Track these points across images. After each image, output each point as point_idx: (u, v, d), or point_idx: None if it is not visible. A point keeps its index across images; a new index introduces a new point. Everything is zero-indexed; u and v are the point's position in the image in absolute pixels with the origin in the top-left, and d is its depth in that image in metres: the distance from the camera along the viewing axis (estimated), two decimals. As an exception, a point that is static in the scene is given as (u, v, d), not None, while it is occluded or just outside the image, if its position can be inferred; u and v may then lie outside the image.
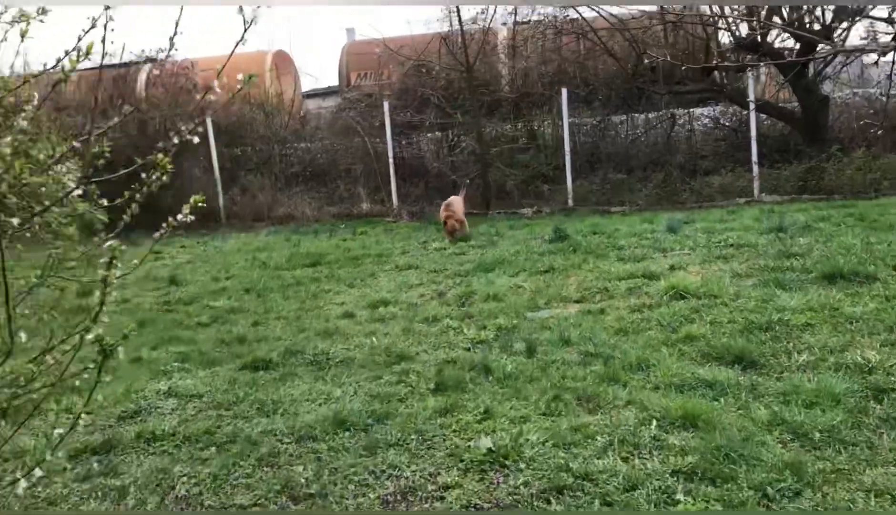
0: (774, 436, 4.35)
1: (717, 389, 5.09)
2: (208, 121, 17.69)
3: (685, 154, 16.07)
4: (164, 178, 2.20)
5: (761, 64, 15.78)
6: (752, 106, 14.67)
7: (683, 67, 14.13)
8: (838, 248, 8.64)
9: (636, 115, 16.83)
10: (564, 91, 15.44)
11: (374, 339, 6.88)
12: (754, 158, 14.28)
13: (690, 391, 5.10)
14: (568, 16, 17.18)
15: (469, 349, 6.44)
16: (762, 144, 14.65)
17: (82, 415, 5.52)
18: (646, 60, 15.84)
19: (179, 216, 2.22)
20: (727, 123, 17.04)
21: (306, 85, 25.03)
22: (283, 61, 22.73)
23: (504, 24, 18.80)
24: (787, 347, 5.77)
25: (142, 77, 20.37)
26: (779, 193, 14.02)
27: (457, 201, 12.38)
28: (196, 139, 2.11)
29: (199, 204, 2.22)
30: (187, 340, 7.48)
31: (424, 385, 5.57)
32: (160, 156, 2.14)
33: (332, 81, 23.39)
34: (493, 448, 4.40)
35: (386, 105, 16.53)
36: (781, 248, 9.05)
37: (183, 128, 2.09)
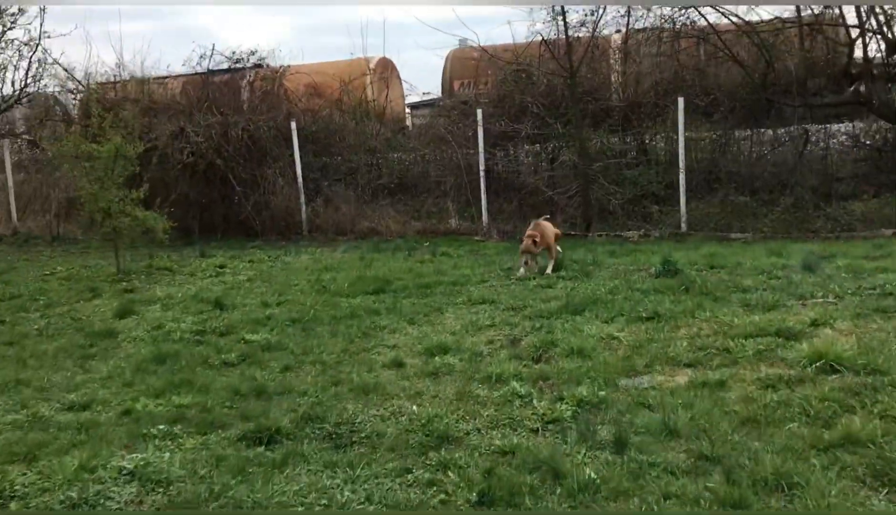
0: None
1: (905, 541, 3.31)
2: (293, 127, 16.64)
3: (819, 176, 14.10)
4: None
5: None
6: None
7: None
8: None
9: (763, 130, 14.75)
10: (681, 101, 13.62)
11: (415, 406, 5.32)
12: (906, 182, 12.12)
13: (861, 543, 3.34)
14: (688, 17, 15.27)
15: (537, 431, 4.79)
16: (916, 167, 12.46)
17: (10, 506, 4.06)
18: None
19: None
20: (869, 142, 14.76)
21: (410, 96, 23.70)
22: (385, 68, 21.51)
23: (618, 31, 17.00)
24: None
25: (246, 82, 19.58)
26: (937, 223, 11.82)
27: (546, 225, 10.52)
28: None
29: None
30: (199, 386, 6.10)
31: (464, 493, 3.95)
32: None
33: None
34: None
35: (479, 113, 15.00)
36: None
37: None
